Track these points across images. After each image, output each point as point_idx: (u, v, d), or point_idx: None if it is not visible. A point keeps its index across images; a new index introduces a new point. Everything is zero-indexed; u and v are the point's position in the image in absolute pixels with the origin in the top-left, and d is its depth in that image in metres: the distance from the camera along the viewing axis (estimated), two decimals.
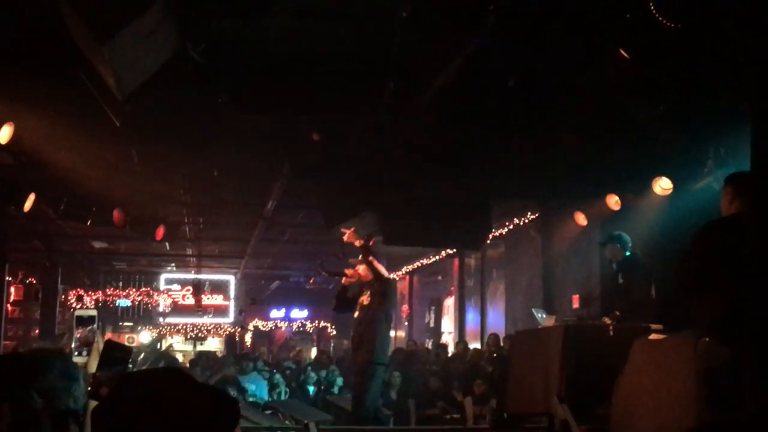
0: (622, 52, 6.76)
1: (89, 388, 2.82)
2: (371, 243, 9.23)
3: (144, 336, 26.88)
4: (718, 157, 8.88)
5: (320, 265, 21.07)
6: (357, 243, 9.16)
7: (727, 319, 5.56)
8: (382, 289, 9.16)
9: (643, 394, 7.08)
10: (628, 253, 9.26)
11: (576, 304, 12.68)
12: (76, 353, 3.35)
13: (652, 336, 7.37)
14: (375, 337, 8.98)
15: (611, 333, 8.10)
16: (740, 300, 5.52)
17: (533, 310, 10.51)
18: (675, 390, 6.48)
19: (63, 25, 6.36)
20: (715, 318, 5.67)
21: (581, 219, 12.01)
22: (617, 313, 8.81)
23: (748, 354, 5.35)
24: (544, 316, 9.87)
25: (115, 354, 2.93)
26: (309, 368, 16.12)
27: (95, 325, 3.50)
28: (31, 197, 11.12)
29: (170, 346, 25.76)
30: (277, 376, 15.07)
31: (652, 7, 5.98)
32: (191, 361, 18.53)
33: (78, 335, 3.37)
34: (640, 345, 7.29)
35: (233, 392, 11.32)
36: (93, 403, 2.84)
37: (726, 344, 5.50)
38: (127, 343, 3.13)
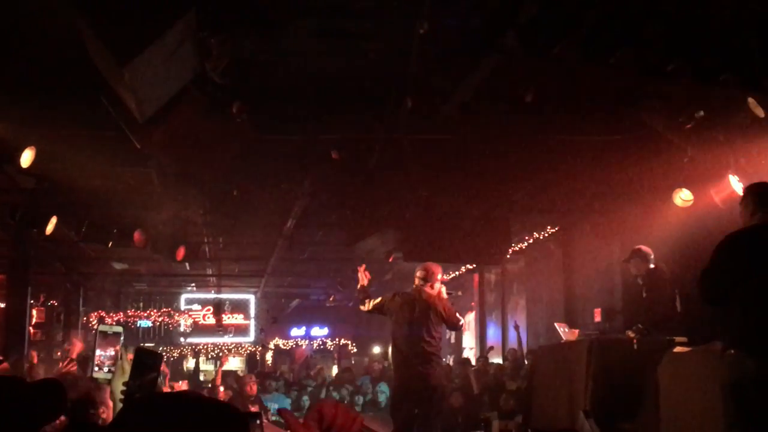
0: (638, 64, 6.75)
1: (122, 398, 2.83)
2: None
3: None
4: (738, 167, 8.83)
5: (340, 283, 21.16)
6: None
7: (753, 331, 5.52)
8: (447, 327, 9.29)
9: (672, 408, 7.04)
10: (652, 266, 9.21)
11: (598, 318, 12.61)
12: (97, 368, 3.32)
13: (677, 349, 7.34)
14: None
15: (635, 347, 8.06)
16: (765, 312, 5.49)
17: (555, 324, 10.47)
18: (703, 403, 6.43)
19: (83, 49, 6.41)
20: (740, 330, 5.62)
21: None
22: (640, 326, 8.76)
23: None
24: (566, 330, 9.83)
25: (147, 361, 2.92)
26: (331, 387, 16.10)
27: (122, 340, 3.48)
28: (53, 220, 11.18)
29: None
30: (305, 398, 15.06)
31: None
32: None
33: (99, 351, 3.34)
34: (668, 359, 7.25)
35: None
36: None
37: (753, 357, 5.45)
38: None
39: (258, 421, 2.76)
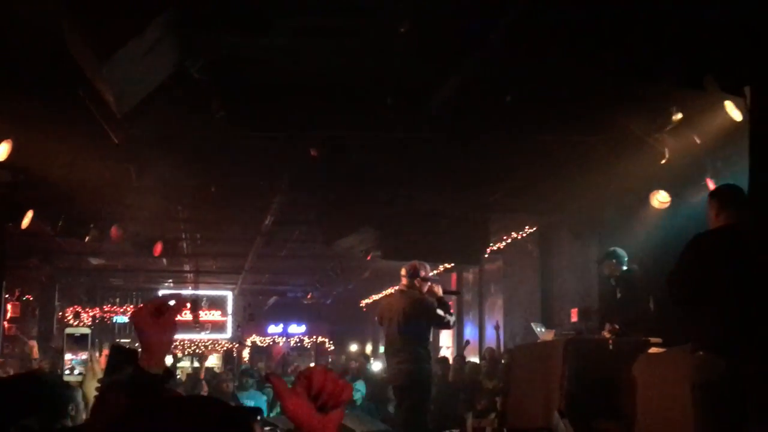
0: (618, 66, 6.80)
1: (96, 394, 2.83)
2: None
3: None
4: (715, 170, 8.91)
5: (318, 281, 21.14)
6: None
7: (720, 332, 5.58)
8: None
9: (646, 407, 7.09)
10: (625, 268, 9.28)
11: (574, 318, 12.67)
12: (67, 371, 3.31)
13: (652, 350, 7.39)
14: None
15: (611, 347, 8.11)
16: (732, 312, 5.55)
17: (532, 324, 10.51)
18: (676, 404, 6.48)
19: (63, 42, 6.37)
20: (708, 331, 5.68)
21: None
22: (616, 326, 8.80)
23: (746, 368, 5.37)
24: (542, 330, 9.87)
25: (121, 357, 2.92)
26: None
27: (90, 345, 3.47)
28: (29, 214, 11.11)
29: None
30: None
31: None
32: None
33: (68, 355, 3.33)
34: (642, 359, 7.30)
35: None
36: None
37: (721, 357, 5.51)
38: None
39: (259, 417, 2.77)
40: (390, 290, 24.29)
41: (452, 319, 9.16)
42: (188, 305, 26.01)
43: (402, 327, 8.79)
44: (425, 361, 8.92)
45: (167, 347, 2.29)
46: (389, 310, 9.09)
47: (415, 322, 8.78)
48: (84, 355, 3.36)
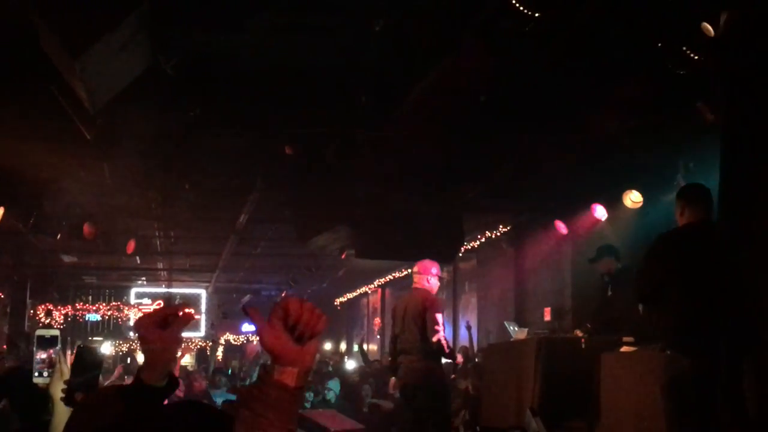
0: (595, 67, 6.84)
1: (63, 396, 2.82)
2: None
3: (105, 347, 26.67)
4: (687, 170, 8.98)
5: (293, 279, 21.09)
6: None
7: (685, 332, 5.64)
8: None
9: (616, 406, 7.13)
10: (620, 266, 9.24)
11: (548, 317, 12.72)
12: (36, 374, 3.29)
13: (623, 349, 7.43)
14: None
15: (583, 346, 8.15)
16: (695, 311, 5.62)
17: (505, 323, 10.55)
18: (646, 402, 6.53)
19: (35, 38, 6.32)
20: (675, 331, 5.74)
21: (562, 228, 11.86)
22: (588, 325, 8.83)
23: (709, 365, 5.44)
24: (516, 329, 9.91)
25: (87, 359, 2.92)
26: None
27: (59, 347, 3.45)
28: (0, 211, 11.01)
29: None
30: None
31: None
32: None
33: (39, 356, 3.31)
34: (610, 358, 7.34)
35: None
36: (64, 410, 2.83)
37: (687, 356, 5.57)
38: None
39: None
40: (365, 289, 24.34)
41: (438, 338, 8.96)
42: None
43: (414, 326, 8.78)
44: (437, 359, 8.90)
45: (171, 360, 2.20)
46: (402, 309, 9.10)
47: (428, 318, 8.76)
48: (53, 354, 3.34)
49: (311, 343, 1.71)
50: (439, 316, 8.76)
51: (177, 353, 2.25)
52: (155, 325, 2.12)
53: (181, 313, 2.13)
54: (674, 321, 5.68)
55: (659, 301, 5.92)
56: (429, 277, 9.09)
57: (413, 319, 8.82)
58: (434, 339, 8.65)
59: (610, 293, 9.16)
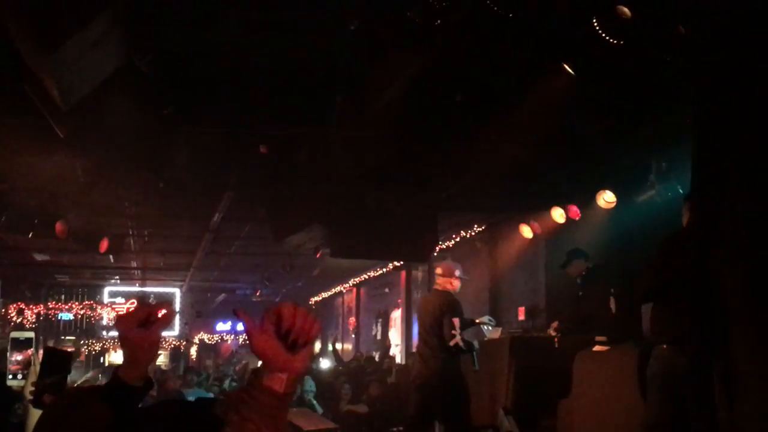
0: (567, 67, 6.86)
1: (32, 398, 2.79)
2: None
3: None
4: (660, 170, 9.04)
5: (267, 278, 21.04)
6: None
7: (680, 328, 5.70)
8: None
9: (589, 405, 7.17)
10: (589, 266, 9.31)
11: (522, 316, 12.78)
12: (10, 376, 3.27)
13: (596, 348, 7.48)
14: None
15: (556, 345, 8.19)
16: (687, 309, 5.67)
17: (477, 320, 10.55)
18: (619, 400, 6.57)
19: (6, 34, 6.26)
20: (674, 329, 5.81)
21: (526, 231, 12.13)
22: (561, 325, 8.88)
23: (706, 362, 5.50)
24: (490, 328, 9.93)
25: (55, 360, 2.90)
26: None
27: (33, 349, 3.43)
28: None
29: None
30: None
31: (597, 26, 6.07)
32: None
33: (13, 358, 3.29)
34: (584, 357, 7.38)
35: None
36: (35, 412, 2.81)
37: (683, 354, 5.64)
38: None
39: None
40: (339, 288, 24.34)
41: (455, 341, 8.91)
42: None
43: (433, 326, 8.76)
44: (453, 360, 8.86)
45: (151, 360, 2.18)
46: (423, 309, 9.08)
47: (445, 322, 8.73)
48: (27, 356, 3.32)
49: (304, 350, 1.69)
50: (456, 321, 8.74)
51: (156, 353, 2.23)
52: (137, 324, 2.09)
53: (161, 313, 2.11)
54: (678, 320, 5.75)
55: (655, 300, 6.01)
56: (452, 279, 9.07)
57: (430, 322, 8.79)
58: (452, 343, 8.64)
59: (580, 293, 9.23)
